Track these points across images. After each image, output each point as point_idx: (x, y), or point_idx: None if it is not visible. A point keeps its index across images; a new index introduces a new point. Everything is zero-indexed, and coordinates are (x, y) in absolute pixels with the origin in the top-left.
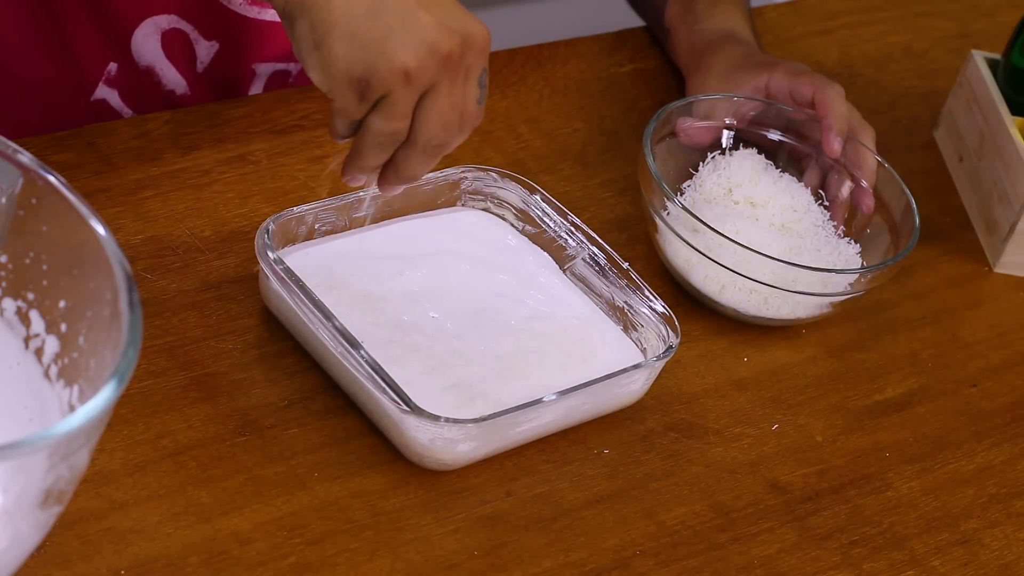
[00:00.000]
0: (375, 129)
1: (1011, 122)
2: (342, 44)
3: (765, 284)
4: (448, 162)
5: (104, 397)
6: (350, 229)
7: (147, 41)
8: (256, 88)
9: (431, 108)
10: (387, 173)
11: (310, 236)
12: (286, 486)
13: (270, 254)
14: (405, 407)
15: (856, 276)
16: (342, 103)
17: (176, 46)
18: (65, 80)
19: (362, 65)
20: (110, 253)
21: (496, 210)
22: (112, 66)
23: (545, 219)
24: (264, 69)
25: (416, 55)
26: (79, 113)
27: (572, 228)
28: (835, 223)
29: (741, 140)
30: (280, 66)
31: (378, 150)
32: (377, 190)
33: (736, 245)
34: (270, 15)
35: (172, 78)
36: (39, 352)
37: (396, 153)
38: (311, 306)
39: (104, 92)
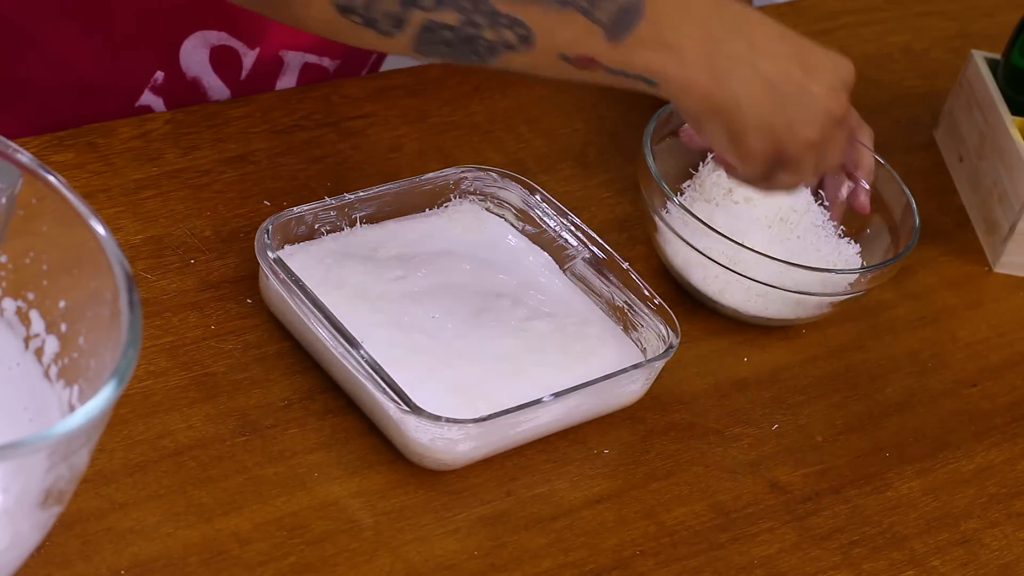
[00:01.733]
0: (784, 183)
1: (1011, 122)
2: (758, 137)
3: (765, 284)
4: (448, 162)
5: (104, 397)
6: (350, 229)
7: (195, 53)
8: (287, 80)
9: (830, 152)
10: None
11: (310, 236)
12: (286, 486)
13: (270, 254)
14: (405, 407)
15: (856, 276)
16: (752, 173)
17: (224, 60)
18: (110, 86)
19: (774, 147)
20: (110, 253)
21: (496, 210)
22: (159, 75)
23: (545, 219)
24: (293, 58)
25: (819, 128)
26: (121, 117)
27: (572, 228)
28: (834, 223)
29: None
30: (311, 58)
31: (782, 192)
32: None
33: (736, 245)
34: None
35: (217, 88)
36: (39, 352)
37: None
38: (311, 306)
39: (149, 99)
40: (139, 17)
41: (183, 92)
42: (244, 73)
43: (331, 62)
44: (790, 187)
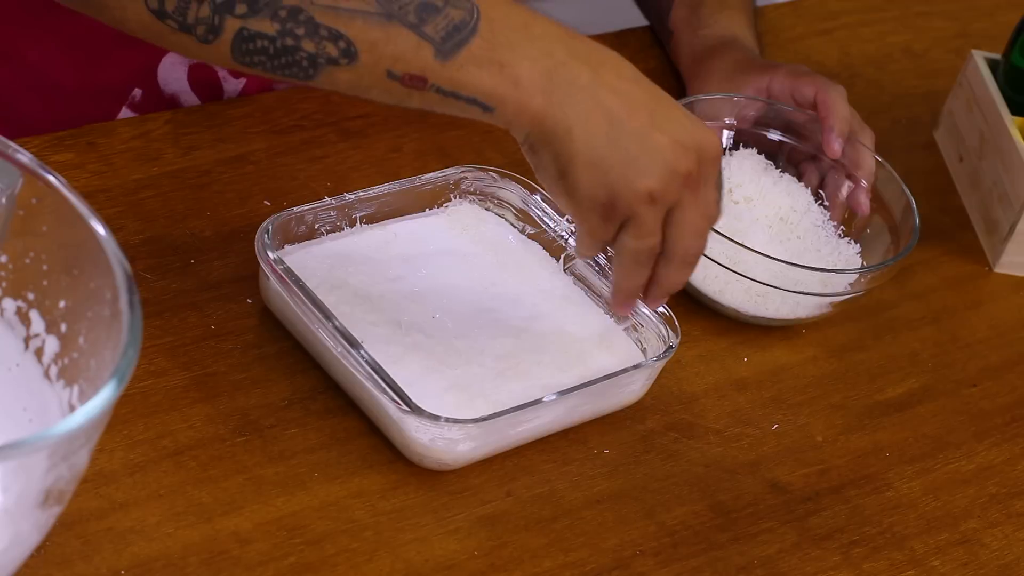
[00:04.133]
0: (629, 248)
1: (1011, 122)
2: (586, 173)
3: (765, 284)
4: (448, 162)
5: (104, 397)
6: (350, 229)
7: (174, 70)
8: None
9: (681, 222)
10: (651, 289)
11: (310, 236)
12: (286, 486)
13: (270, 254)
14: (405, 407)
15: (856, 276)
16: (588, 226)
17: (202, 79)
18: (89, 101)
19: (605, 191)
20: (110, 253)
21: (496, 210)
22: (137, 92)
23: (545, 219)
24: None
25: (658, 178)
26: None
27: (572, 228)
28: (835, 223)
29: (741, 140)
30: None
31: (636, 267)
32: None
33: (736, 245)
34: None
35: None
36: (39, 352)
37: (656, 270)
38: (311, 306)
39: (127, 115)
40: (118, 33)
41: (161, 110)
42: (228, 96)
43: None
44: (635, 252)
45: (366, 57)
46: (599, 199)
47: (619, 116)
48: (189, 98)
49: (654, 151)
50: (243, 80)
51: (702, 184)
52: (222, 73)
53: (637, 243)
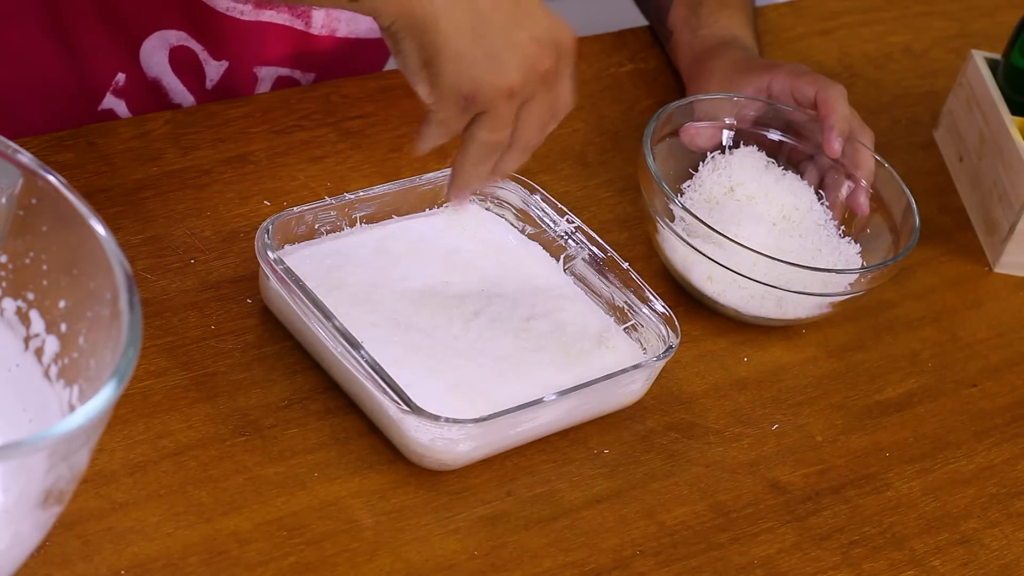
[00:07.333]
0: (480, 140)
1: (1011, 122)
2: (450, 65)
3: (765, 284)
4: (448, 162)
5: (104, 397)
6: (350, 229)
7: (155, 53)
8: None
9: (530, 114)
10: None
11: (310, 236)
12: (286, 486)
13: (270, 254)
14: (405, 407)
15: (856, 276)
16: (445, 116)
17: (184, 63)
18: (73, 87)
19: (469, 84)
20: (110, 253)
21: (496, 210)
22: (120, 76)
23: (545, 219)
24: (267, 73)
25: (519, 74)
26: (85, 121)
27: (572, 228)
28: (835, 222)
29: (741, 139)
30: (284, 71)
31: (483, 159)
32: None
33: (736, 245)
34: (267, 16)
35: (180, 92)
36: (39, 352)
37: None
38: (311, 306)
39: (111, 102)
40: (100, 17)
41: (145, 94)
42: (211, 83)
43: (303, 75)
44: (486, 144)
45: None
46: (461, 91)
47: (483, 10)
48: (172, 81)
49: (517, 48)
50: (225, 63)
51: (557, 80)
52: (203, 56)
53: (489, 135)
